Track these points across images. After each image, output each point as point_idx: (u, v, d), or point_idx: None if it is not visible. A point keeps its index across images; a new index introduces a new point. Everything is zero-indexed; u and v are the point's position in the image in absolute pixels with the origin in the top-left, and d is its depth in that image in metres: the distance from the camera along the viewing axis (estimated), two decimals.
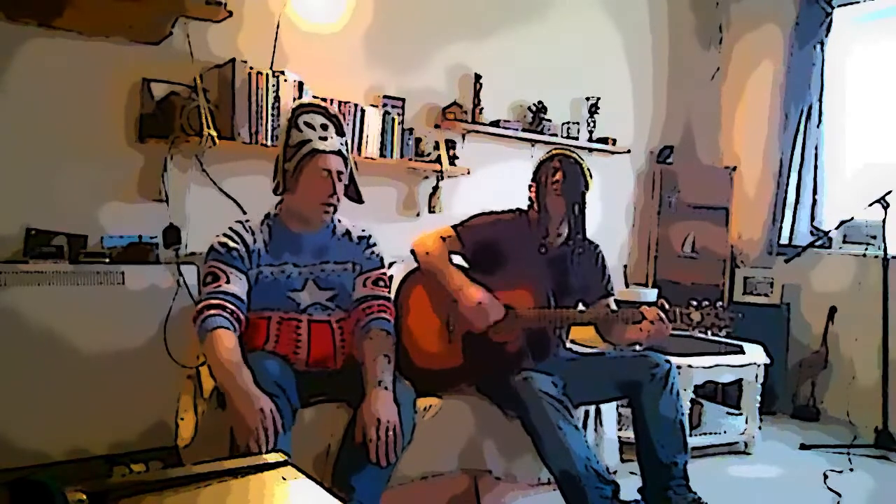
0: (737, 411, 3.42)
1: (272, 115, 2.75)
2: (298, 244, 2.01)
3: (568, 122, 3.84)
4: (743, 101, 4.35)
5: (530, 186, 2.36)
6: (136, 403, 2.45)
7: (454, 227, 2.33)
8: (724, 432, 3.21)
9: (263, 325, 1.95)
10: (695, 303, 2.11)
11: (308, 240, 2.02)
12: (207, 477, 1.11)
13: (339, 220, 2.10)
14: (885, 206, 3.31)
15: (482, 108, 3.50)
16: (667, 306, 2.11)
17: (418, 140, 3.31)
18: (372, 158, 3.09)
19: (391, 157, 3.15)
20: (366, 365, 1.92)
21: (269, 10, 2.93)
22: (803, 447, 3.29)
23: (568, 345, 2.48)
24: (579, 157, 2.31)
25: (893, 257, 3.38)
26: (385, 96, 3.23)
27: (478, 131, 3.52)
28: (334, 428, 1.92)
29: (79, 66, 2.55)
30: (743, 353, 3.20)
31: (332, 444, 1.91)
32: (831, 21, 3.95)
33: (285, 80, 2.80)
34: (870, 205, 3.34)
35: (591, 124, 3.93)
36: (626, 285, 4.20)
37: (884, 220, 3.37)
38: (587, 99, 3.93)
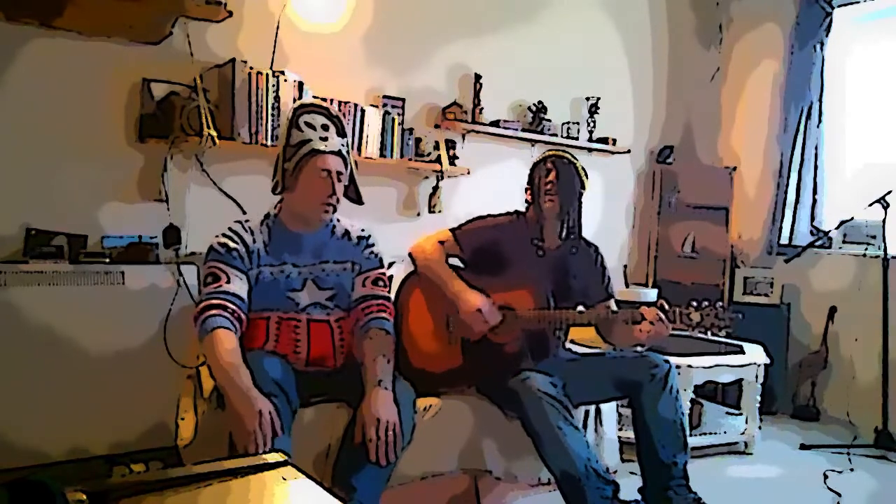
0: (737, 411, 3.43)
1: (272, 115, 2.75)
2: (298, 244, 2.01)
3: (568, 122, 3.84)
4: (743, 101, 4.36)
5: (526, 189, 2.36)
6: (136, 403, 2.45)
7: (452, 230, 2.34)
8: (724, 432, 3.21)
9: (263, 324, 1.95)
10: (695, 303, 2.11)
11: (307, 240, 2.02)
12: (207, 477, 1.11)
13: (339, 220, 2.10)
14: (885, 206, 3.31)
15: (482, 108, 3.50)
16: (666, 307, 2.11)
17: (418, 140, 3.31)
18: (372, 158, 3.09)
19: (391, 157, 3.15)
20: (365, 365, 1.92)
21: (269, 10, 2.93)
22: (803, 447, 3.29)
23: (567, 345, 2.48)
24: (573, 157, 2.31)
25: (893, 257, 3.38)
26: (385, 96, 3.23)
27: (478, 131, 3.52)
28: (334, 428, 1.92)
29: (79, 66, 2.55)
30: (743, 353, 3.20)
31: (332, 444, 1.91)
32: (831, 21, 3.95)
33: (285, 80, 2.80)
34: (870, 205, 3.34)
35: (591, 124, 3.93)
36: (626, 285, 4.20)
37: (884, 220, 3.38)
38: (587, 99, 3.93)
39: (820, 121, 4.00)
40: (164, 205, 2.70)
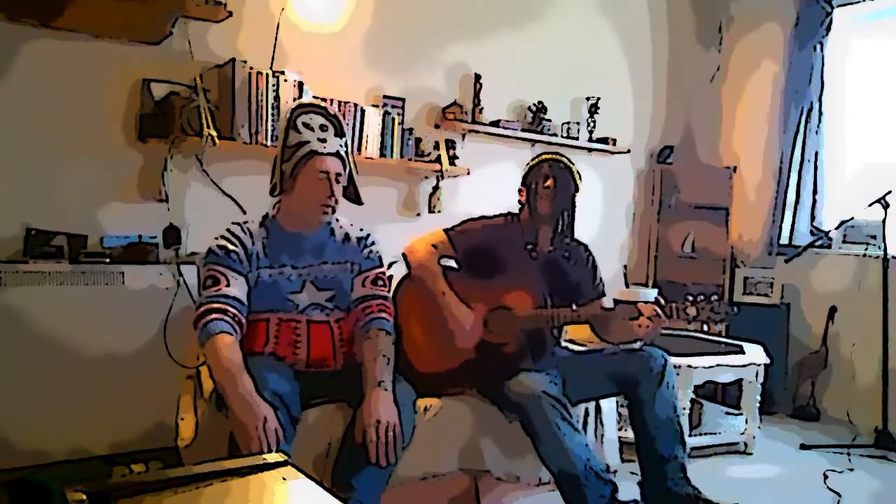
0: (737, 411, 3.42)
1: (272, 115, 2.75)
2: (296, 246, 2.01)
3: (568, 122, 3.85)
4: (743, 102, 4.36)
5: (520, 190, 2.37)
6: (136, 404, 2.45)
7: (446, 230, 2.33)
8: (724, 432, 3.21)
9: (262, 326, 1.95)
10: (690, 297, 2.12)
11: (306, 241, 2.02)
12: (207, 477, 1.11)
13: (338, 220, 2.10)
14: (885, 206, 3.32)
15: (482, 108, 3.50)
16: (663, 302, 2.12)
17: (418, 140, 3.31)
18: (372, 158, 3.09)
19: (391, 157, 3.15)
20: (365, 365, 1.91)
21: (269, 11, 2.93)
22: (803, 447, 3.29)
23: (565, 343, 2.49)
24: (569, 160, 2.32)
25: (893, 257, 3.38)
26: (385, 96, 3.23)
27: (478, 131, 3.52)
28: (334, 428, 1.92)
29: (79, 66, 2.55)
30: (743, 353, 3.20)
31: (332, 444, 1.90)
32: (831, 21, 3.94)
33: (285, 80, 2.80)
34: (870, 205, 3.35)
35: (591, 124, 3.93)
36: (627, 285, 4.20)
37: (884, 220, 3.37)
38: (587, 99, 3.93)
39: (820, 121, 4.00)
40: (164, 205, 2.70)
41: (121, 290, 2.49)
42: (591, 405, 2.40)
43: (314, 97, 2.81)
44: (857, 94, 3.99)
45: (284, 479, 1.14)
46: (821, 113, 3.99)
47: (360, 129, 3.05)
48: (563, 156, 2.34)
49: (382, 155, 3.13)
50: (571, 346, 2.54)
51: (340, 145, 1.98)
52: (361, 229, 2.13)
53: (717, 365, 3.07)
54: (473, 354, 2.20)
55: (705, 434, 3.16)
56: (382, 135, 3.12)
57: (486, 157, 3.60)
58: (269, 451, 1.61)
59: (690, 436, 3.03)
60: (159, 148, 2.67)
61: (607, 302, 2.21)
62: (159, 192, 2.70)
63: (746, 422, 3.20)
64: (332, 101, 2.90)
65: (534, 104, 3.72)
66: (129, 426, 2.48)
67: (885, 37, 3.88)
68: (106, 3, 2.40)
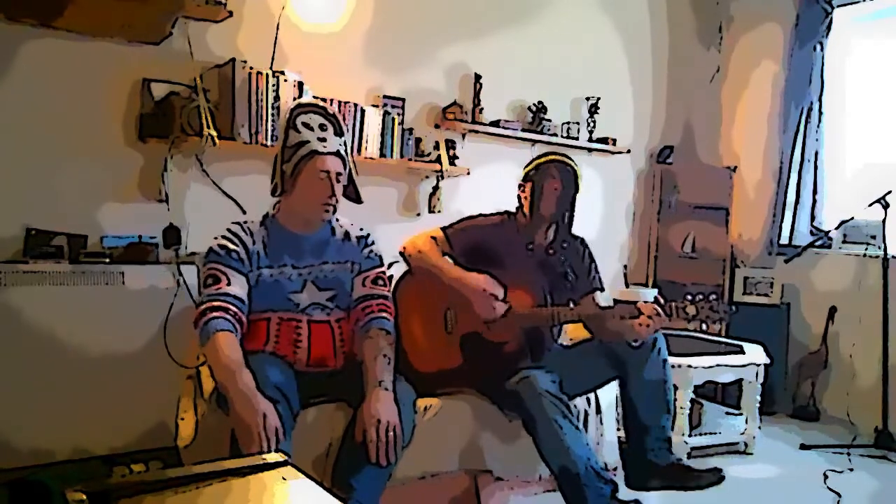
0: (737, 411, 3.43)
1: (272, 115, 2.75)
2: (297, 245, 2.01)
3: (568, 122, 3.84)
4: (743, 101, 4.36)
5: (521, 186, 2.36)
6: (136, 404, 2.45)
7: (443, 229, 2.33)
8: (724, 432, 3.21)
9: (263, 326, 1.95)
10: (689, 297, 2.13)
11: (306, 241, 2.02)
12: (207, 477, 1.11)
13: (338, 220, 2.10)
14: (885, 206, 3.31)
15: (482, 108, 3.50)
16: (662, 301, 2.13)
17: (418, 140, 3.31)
18: (372, 158, 3.09)
19: (391, 157, 3.15)
20: (366, 365, 1.92)
21: (269, 10, 2.93)
22: (803, 447, 3.29)
23: (560, 341, 2.49)
24: (574, 163, 2.32)
25: (893, 257, 3.38)
26: (385, 96, 3.23)
27: (478, 131, 3.52)
28: (334, 428, 1.92)
29: (79, 66, 2.55)
30: (743, 353, 3.20)
31: (332, 444, 1.91)
32: (831, 21, 3.94)
33: (285, 80, 2.80)
34: (870, 205, 3.34)
35: (591, 124, 3.93)
36: (627, 285, 4.20)
37: (884, 220, 3.37)
38: (587, 99, 3.93)
39: (820, 121, 4.00)
40: (164, 205, 2.70)
41: (121, 290, 2.48)
42: (592, 406, 2.40)
43: (314, 97, 2.81)
44: (857, 94, 3.98)
45: (284, 479, 1.14)
46: (821, 113, 3.99)
47: (360, 129, 3.05)
48: (569, 158, 2.33)
49: (382, 155, 3.13)
50: (564, 343, 2.54)
51: (340, 144, 1.98)
52: (361, 229, 2.13)
53: (717, 365, 3.07)
54: (472, 353, 2.20)
55: (705, 434, 3.16)
56: (382, 135, 3.12)
57: (486, 157, 3.60)
58: (270, 447, 1.61)
59: (690, 436, 3.03)
60: (159, 148, 2.67)
61: (606, 300, 2.20)
62: (159, 192, 2.70)
63: (746, 422, 3.20)
64: (332, 101, 2.90)
65: (534, 104, 3.72)
66: (129, 426, 2.48)
67: (885, 37, 3.88)
68: (106, 3, 2.40)
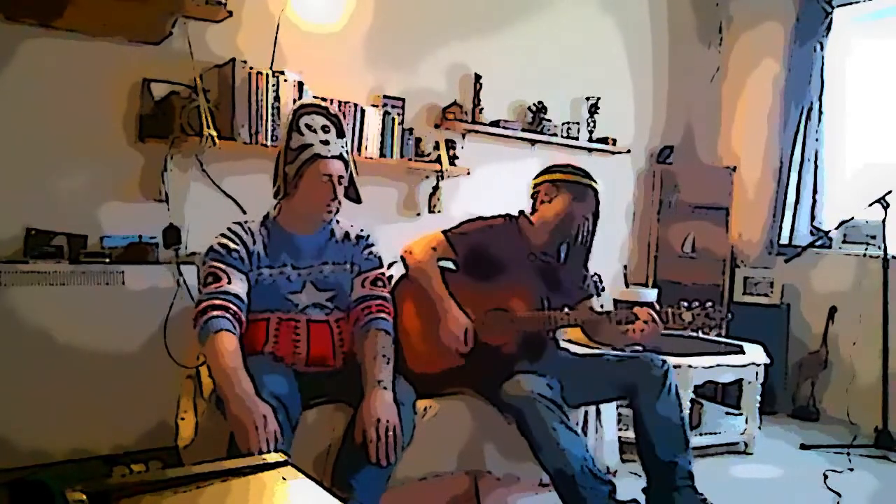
0: (737, 411, 3.43)
1: (272, 115, 2.75)
2: (297, 246, 2.01)
3: (568, 122, 3.84)
4: (743, 101, 4.36)
5: (538, 190, 2.33)
6: (136, 403, 2.45)
7: (445, 232, 2.32)
8: (724, 432, 3.21)
9: (263, 326, 1.95)
10: (685, 303, 2.12)
11: (306, 242, 2.02)
12: (207, 477, 1.11)
13: (338, 221, 2.10)
14: (885, 206, 3.31)
15: (482, 108, 3.50)
16: (657, 307, 2.13)
17: (418, 140, 3.31)
18: (372, 158, 3.09)
19: (391, 157, 3.15)
20: (365, 365, 1.92)
21: (269, 10, 2.93)
22: (803, 447, 3.29)
23: (566, 345, 2.49)
24: (598, 186, 2.30)
25: (893, 257, 3.38)
26: (385, 96, 3.22)
27: (478, 131, 3.52)
28: (334, 428, 1.92)
29: (79, 66, 2.55)
30: (743, 353, 3.20)
31: (332, 444, 1.90)
32: (831, 20, 3.94)
33: (285, 80, 2.80)
34: (870, 205, 3.34)
35: (591, 124, 3.93)
36: (627, 286, 4.20)
37: (884, 220, 3.37)
38: (587, 99, 3.93)
39: (820, 121, 4.00)
40: (164, 205, 2.70)
41: (121, 290, 2.49)
42: (592, 407, 2.40)
43: (314, 97, 2.81)
44: (857, 94, 3.98)
45: (284, 479, 1.14)
46: (821, 113, 3.99)
47: (360, 129, 3.05)
48: (592, 179, 2.31)
49: (382, 155, 3.13)
50: (571, 348, 2.54)
51: (343, 147, 1.98)
52: (361, 230, 2.13)
53: (717, 365, 3.07)
54: (471, 355, 2.20)
55: (705, 434, 3.16)
56: (382, 135, 3.12)
57: (486, 157, 3.60)
58: (270, 448, 1.61)
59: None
60: (159, 148, 2.67)
61: (606, 301, 2.21)
62: (159, 192, 2.70)
63: (746, 422, 3.20)
64: (332, 101, 2.90)
65: (534, 104, 3.72)
66: (129, 426, 2.48)
67: (885, 37, 3.88)
68: (106, 3, 2.40)
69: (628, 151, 4.12)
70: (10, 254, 2.43)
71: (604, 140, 3.96)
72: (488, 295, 2.23)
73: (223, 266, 1.89)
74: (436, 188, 3.38)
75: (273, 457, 1.20)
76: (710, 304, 2.12)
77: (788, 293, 4.07)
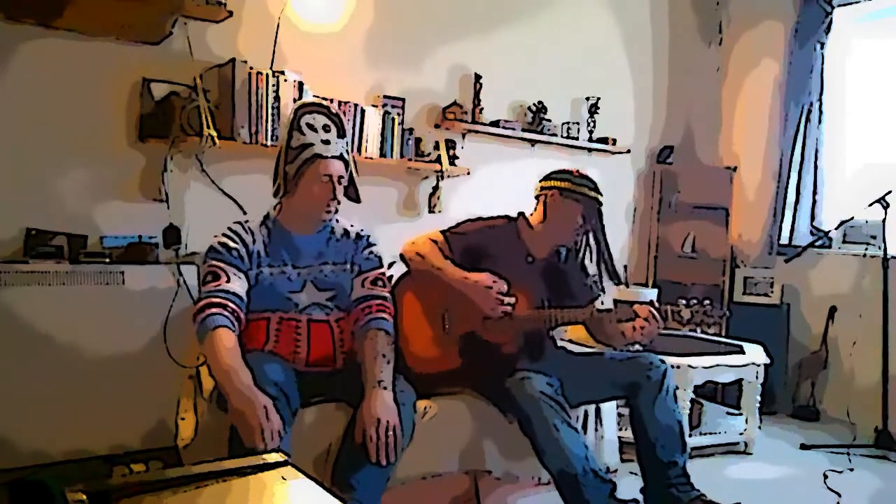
0: (737, 411, 3.43)
1: (272, 115, 2.75)
2: (297, 246, 2.01)
3: (568, 122, 3.84)
4: (743, 101, 4.35)
5: (541, 194, 2.32)
6: (136, 403, 2.44)
7: (443, 232, 2.33)
8: (724, 432, 3.21)
9: (263, 325, 1.95)
10: (684, 301, 2.14)
11: (307, 241, 2.02)
12: (207, 477, 1.11)
13: (338, 221, 2.10)
14: (885, 206, 3.31)
15: (482, 108, 3.50)
16: (657, 304, 2.14)
17: (418, 140, 3.31)
18: (372, 158, 3.09)
19: (391, 157, 3.15)
20: (365, 365, 1.92)
21: (269, 11, 2.93)
22: (803, 447, 3.29)
23: (563, 344, 2.49)
24: (600, 200, 2.29)
25: (893, 257, 3.38)
26: (385, 96, 3.22)
27: (478, 131, 3.51)
28: (334, 428, 1.92)
29: (79, 66, 2.55)
30: (743, 353, 3.20)
31: (332, 444, 1.91)
32: (831, 20, 3.94)
33: (285, 80, 2.80)
34: (870, 205, 3.34)
35: (591, 124, 3.93)
36: (627, 285, 4.20)
37: (884, 220, 3.37)
38: (587, 99, 3.93)
39: (820, 121, 4.00)
40: (164, 205, 2.70)
41: (121, 290, 2.48)
42: (592, 406, 2.40)
43: (314, 97, 2.81)
44: (857, 94, 3.98)
45: (284, 478, 1.14)
46: (821, 113, 4.00)
47: (360, 129, 3.05)
48: (597, 192, 2.30)
49: (382, 155, 3.13)
50: (571, 347, 2.54)
51: (343, 146, 1.98)
52: (362, 230, 2.14)
53: (717, 365, 3.07)
54: (471, 354, 2.20)
55: (705, 434, 3.16)
56: (382, 135, 3.12)
57: (486, 157, 3.60)
58: (273, 437, 1.62)
59: (690, 436, 3.02)
60: (159, 148, 2.67)
61: (606, 302, 2.21)
62: (159, 192, 2.70)
63: (746, 422, 3.20)
64: (332, 101, 2.89)
65: (534, 104, 3.72)
66: (129, 426, 2.48)
67: (885, 37, 3.88)
68: (106, 3, 2.40)
69: (628, 151, 4.12)
70: (10, 254, 2.43)
71: (604, 140, 3.96)
72: None
73: (223, 265, 1.89)
74: (436, 188, 3.38)
75: (273, 457, 1.20)
76: (708, 301, 2.13)
77: (788, 293, 4.07)
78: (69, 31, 2.51)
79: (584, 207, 2.26)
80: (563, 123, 3.84)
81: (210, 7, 2.61)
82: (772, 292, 4.05)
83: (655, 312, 2.12)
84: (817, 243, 3.74)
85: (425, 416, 2.05)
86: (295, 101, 2.78)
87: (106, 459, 2.44)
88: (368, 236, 2.13)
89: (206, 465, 1.14)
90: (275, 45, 2.93)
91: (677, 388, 2.25)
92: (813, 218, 4.04)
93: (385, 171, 3.26)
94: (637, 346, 2.70)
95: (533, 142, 3.74)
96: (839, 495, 2.69)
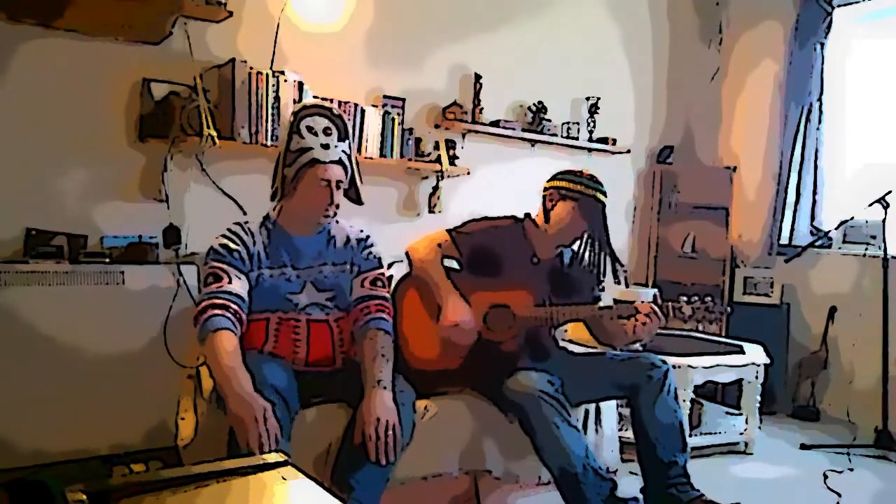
0: (737, 411, 3.42)
1: (272, 115, 2.75)
2: (297, 248, 2.01)
3: (568, 122, 3.84)
4: (743, 101, 4.35)
5: (546, 194, 2.31)
6: (136, 403, 2.45)
7: (449, 231, 2.33)
8: (724, 432, 3.21)
9: (263, 325, 1.95)
10: (685, 298, 2.14)
11: (306, 243, 2.02)
12: (207, 477, 1.11)
13: (337, 221, 2.10)
14: (885, 206, 3.31)
15: (482, 108, 3.50)
16: (659, 301, 2.14)
17: (418, 140, 3.31)
18: (372, 158, 3.09)
19: (391, 157, 3.15)
20: (365, 365, 1.92)
21: (269, 11, 2.93)
22: (803, 447, 3.29)
23: (564, 344, 2.49)
24: (604, 201, 2.28)
25: (893, 257, 3.38)
26: (385, 96, 3.23)
27: (478, 131, 3.52)
28: (334, 428, 1.92)
29: (79, 66, 2.55)
30: (743, 353, 3.20)
31: (332, 444, 1.91)
32: (831, 20, 3.95)
33: (285, 80, 2.80)
34: (870, 205, 3.34)
35: (591, 124, 3.93)
36: (626, 285, 4.20)
37: (884, 220, 3.37)
38: (587, 99, 3.93)
39: (820, 121, 4.00)
40: (164, 205, 2.70)
41: (121, 290, 2.49)
42: (592, 405, 2.40)
43: (314, 97, 2.81)
44: (857, 94, 3.98)
45: (284, 478, 1.14)
46: (821, 113, 4.00)
47: (360, 129, 3.05)
48: (604, 196, 2.28)
49: (382, 155, 3.13)
50: (572, 347, 2.54)
51: (343, 150, 1.97)
52: (361, 231, 2.13)
53: (717, 365, 3.07)
54: (471, 353, 2.20)
55: (705, 434, 3.16)
56: (382, 135, 3.12)
57: (486, 157, 3.60)
58: (270, 444, 1.61)
59: (690, 436, 3.01)
60: (159, 148, 2.67)
61: (606, 301, 2.21)
62: (159, 192, 2.70)
63: (746, 422, 3.20)
64: (332, 101, 2.89)
65: (534, 104, 3.72)
66: (129, 426, 2.48)
67: (885, 37, 3.88)
68: (106, 3, 2.40)
69: (628, 151, 4.12)
70: (10, 254, 2.43)
71: (604, 140, 3.96)
72: (490, 292, 2.23)
73: (224, 266, 1.89)
74: (436, 188, 3.38)
75: (273, 457, 1.20)
76: (709, 297, 2.13)
77: (788, 293, 4.07)
78: (69, 32, 2.51)
79: (590, 208, 2.25)
80: (563, 123, 3.84)
81: (210, 7, 2.61)
82: (772, 292, 4.05)
83: (657, 309, 2.12)
84: (817, 243, 3.74)
85: (425, 416, 2.05)
86: (295, 101, 2.78)
87: (106, 459, 2.44)
88: (368, 237, 2.13)
89: (206, 465, 1.14)
90: (275, 45, 2.93)
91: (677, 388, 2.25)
92: (813, 218, 4.04)
93: (385, 171, 3.26)
94: (638, 346, 2.70)
95: (533, 142, 3.74)
96: (839, 495, 2.69)
